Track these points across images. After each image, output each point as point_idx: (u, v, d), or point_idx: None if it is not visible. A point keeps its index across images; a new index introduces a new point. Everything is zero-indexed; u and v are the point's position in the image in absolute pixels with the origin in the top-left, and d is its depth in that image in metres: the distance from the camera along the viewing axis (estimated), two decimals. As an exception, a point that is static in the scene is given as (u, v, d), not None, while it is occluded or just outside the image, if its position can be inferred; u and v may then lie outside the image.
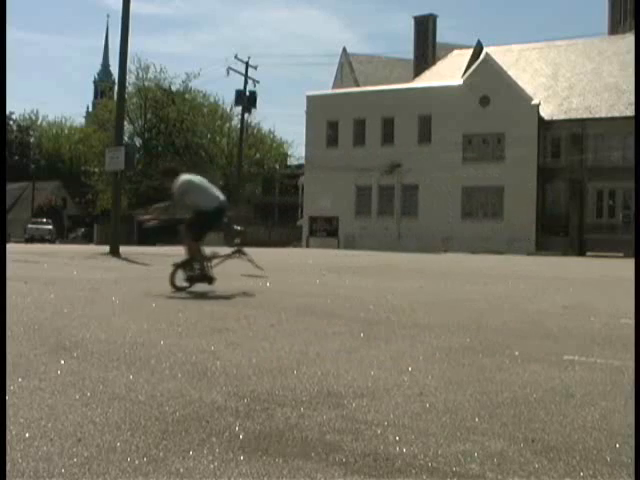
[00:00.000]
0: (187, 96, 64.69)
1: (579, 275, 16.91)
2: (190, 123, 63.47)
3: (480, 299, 9.63)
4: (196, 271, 9.68)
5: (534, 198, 39.70)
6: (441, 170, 40.65)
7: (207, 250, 9.93)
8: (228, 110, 66.74)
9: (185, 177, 10.01)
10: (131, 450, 2.89)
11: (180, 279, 9.55)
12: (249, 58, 49.27)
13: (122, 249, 21.09)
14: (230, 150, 62.64)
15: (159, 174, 10.87)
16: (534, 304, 9.13)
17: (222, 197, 10.03)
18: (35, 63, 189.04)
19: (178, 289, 9.37)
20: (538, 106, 39.81)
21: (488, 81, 40.41)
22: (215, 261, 10.03)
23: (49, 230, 54.61)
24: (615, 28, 60.70)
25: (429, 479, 2.69)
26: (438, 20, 54.70)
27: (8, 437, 2.98)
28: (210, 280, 9.66)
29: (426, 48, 53.08)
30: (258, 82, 50.14)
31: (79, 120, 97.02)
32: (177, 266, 9.64)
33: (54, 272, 13.35)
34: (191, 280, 9.66)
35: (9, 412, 3.31)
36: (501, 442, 3.10)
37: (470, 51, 46.63)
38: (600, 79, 41.43)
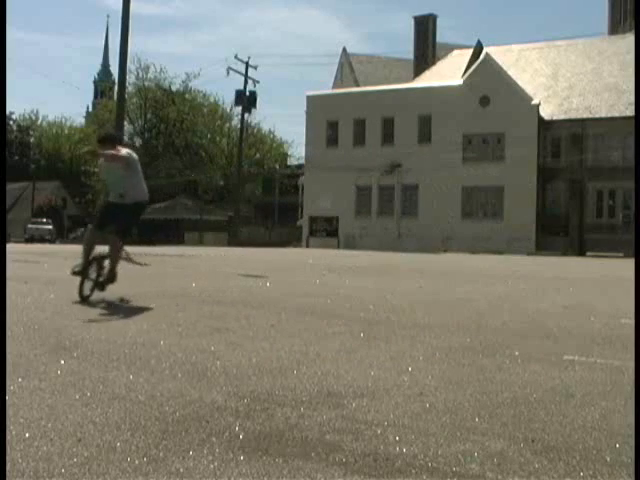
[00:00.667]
0: (187, 96, 64.79)
1: (579, 275, 16.90)
2: (190, 123, 63.57)
3: (480, 299, 9.63)
4: (109, 273, 8.26)
5: (534, 198, 39.72)
6: (441, 170, 40.65)
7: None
8: (228, 110, 66.94)
9: (132, 152, 8.65)
10: (131, 450, 2.89)
11: (87, 287, 8.11)
12: (249, 58, 49.37)
13: (122, 249, 21.07)
14: (230, 150, 62.66)
15: (96, 141, 8.89)
16: (534, 304, 9.13)
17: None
18: (35, 63, 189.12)
19: (86, 299, 7.95)
20: (538, 106, 39.83)
21: (488, 81, 40.42)
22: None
23: (49, 230, 54.58)
24: (615, 28, 60.69)
25: (429, 479, 2.69)
26: (438, 20, 54.88)
27: (8, 437, 2.98)
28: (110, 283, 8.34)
29: (426, 48, 53.12)
30: (258, 82, 50.24)
31: (79, 120, 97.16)
32: (84, 274, 8.04)
33: (54, 272, 13.34)
34: (103, 285, 8.22)
35: (9, 412, 3.30)
36: (501, 442, 3.10)
37: (470, 51, 46.67)
38: (600, 79, 41.44)
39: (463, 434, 3.20)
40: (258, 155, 65.98)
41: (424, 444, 3.05)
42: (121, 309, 7.64)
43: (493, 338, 6.02)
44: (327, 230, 44.56)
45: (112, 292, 9.04)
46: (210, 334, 5.90)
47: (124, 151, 8.50)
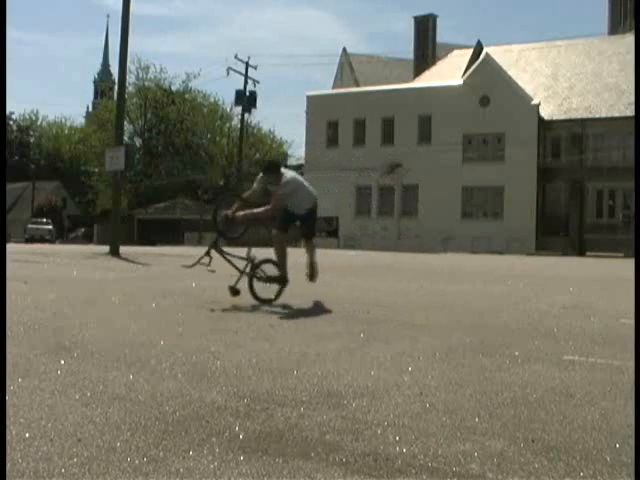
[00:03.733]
0: (187, 96, 64.79)
1: (579, 275, 16.90)
2: (190, 123, 63.56)
3: (480, 299, 9.63)
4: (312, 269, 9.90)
5: (534, 198, 39.73)
6: (441, 170, 40.66)
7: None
8: (228, 110, 66.95)
9: (289, 177, 9.33)
10: (131, 450, 2.89)
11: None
12: (249, 58, 49.36)
13: (122, 249, 21.09)
14: (230, 150, 62.66)
15: (262, 170, 9.49)
16: (534, 304, 9.13)
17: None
18: (35, 63, 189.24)
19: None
20: (538, 106, 39.83)
21: (488, 81, 40.43)
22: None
23: (49, 230, 54.56)
24: (615, 28, 60.74)
25: (429, 479, 2.69)
26: (438, 20, 54.87)
27: (8, 437, 2.98)
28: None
29: (426, 48, 53.15)
30: (258, 82, 50.22)
31: (79, 120, 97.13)
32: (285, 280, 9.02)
33: (54, 272, 13.34)
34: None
35: (9, 412, 3.30)
36: (501, 442, 3.10)
37: (470, 51, 46.69)
38: (600, 79, 41.45)
39: (463, 434, 3.20)
40: (258, 155, 65.96)
41: (424, 444, 3.05)
42: (121, 308, 7.64)
43: (493, 338, 6.02)
44: (327, 230, 44.57)
45: (109, 292, 9.07)
46: (210, 334, 5.89)
47: (283, 180, 9.11)
